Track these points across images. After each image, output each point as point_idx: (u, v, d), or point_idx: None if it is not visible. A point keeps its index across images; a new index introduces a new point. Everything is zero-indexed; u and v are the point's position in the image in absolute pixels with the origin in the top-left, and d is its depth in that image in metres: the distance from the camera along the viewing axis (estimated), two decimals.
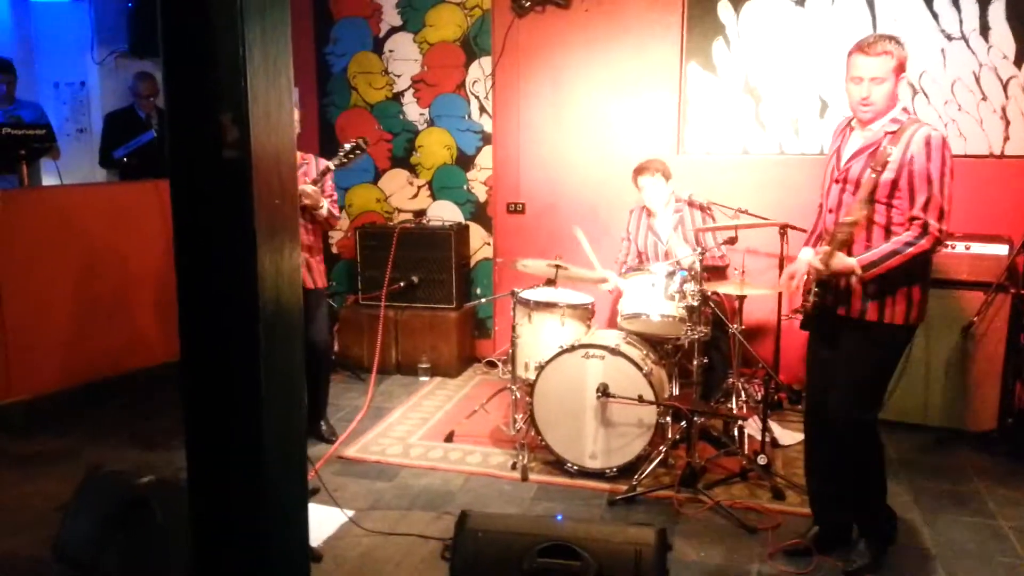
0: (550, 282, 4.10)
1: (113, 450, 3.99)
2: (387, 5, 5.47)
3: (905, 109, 2.72)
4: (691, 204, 4.34)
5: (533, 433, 3.75)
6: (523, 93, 5.27)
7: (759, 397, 4.31)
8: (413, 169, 5.60)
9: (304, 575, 1.95)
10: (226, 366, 1.70)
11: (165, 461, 3.78)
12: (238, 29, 1.57)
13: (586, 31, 5.06)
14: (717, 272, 4.32)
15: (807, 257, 2.81)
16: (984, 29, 4.38)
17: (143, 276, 4.90)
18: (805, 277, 2.80)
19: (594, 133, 5.16)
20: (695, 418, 3.49)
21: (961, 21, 4.41)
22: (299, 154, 3.74)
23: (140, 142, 5.32)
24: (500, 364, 5.26)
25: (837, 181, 2.79)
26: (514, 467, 3.72)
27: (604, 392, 3.53)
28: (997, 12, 4.35)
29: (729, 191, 4.58)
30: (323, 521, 3.18)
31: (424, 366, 5.17)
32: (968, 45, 4.41)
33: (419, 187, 5.62)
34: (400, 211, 5.66)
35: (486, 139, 5.41)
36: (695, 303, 3.61)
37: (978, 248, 4.08)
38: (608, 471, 3.62)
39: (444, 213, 5.53)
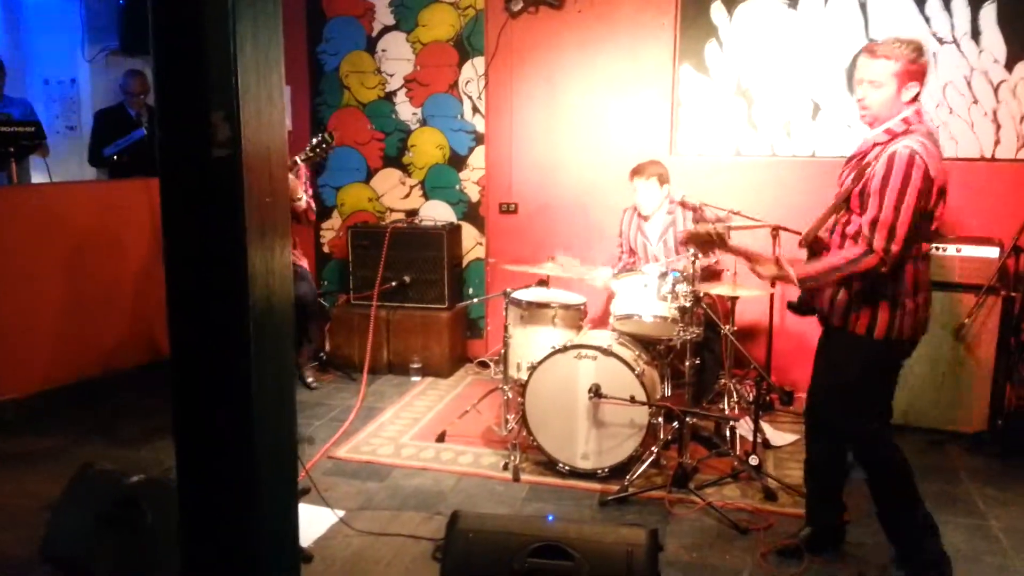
0: (542, 282, 4.09)
1: (102, 449, 3.96)
2: (380, 4, 5.45)
3: (906, 120, 2.58)
4: (683, 205, 4.34)
5: (525, 433, 3.74)
6: (516, 93, 5.27)
7: (751, 398, 4.31)
8: (405, 169, 5.59)
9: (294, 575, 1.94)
10: (216, 365, 1.69)
11: (154, 460, 3.76)
12: (229, 27, 1.56)
13: (579, 32, 5.06)
14: (710, 273, 4.33)
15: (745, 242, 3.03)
16: (975, 33, 4.40)
17: (133, 275, 4.87)
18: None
19: (587, 134, 5.16)
20: (687, 419, 3.49)
21: (952, 25, 4.43)
22: None
23: (130, 140, 5.29)
24: (492, 364, 5.25)
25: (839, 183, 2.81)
26: (506, 467, 3.71)
27: (596, 393, 3.53)
28: (988, 16, 4.37)
29: (721, 193, 4.58)
30: (313, 521, 3.16)
31: (416, 366, 5.16)
32: (959, 48, 4.43)
33: (411, 187, 5.60)
34: (392, 211, 5.65)
35: (479, 139, 5.41)
36: (687, 304, 3.61)
37: (969, 251, 4.10)
38: (600, 472, 3.62)
39: (436, 213, 5.52)
